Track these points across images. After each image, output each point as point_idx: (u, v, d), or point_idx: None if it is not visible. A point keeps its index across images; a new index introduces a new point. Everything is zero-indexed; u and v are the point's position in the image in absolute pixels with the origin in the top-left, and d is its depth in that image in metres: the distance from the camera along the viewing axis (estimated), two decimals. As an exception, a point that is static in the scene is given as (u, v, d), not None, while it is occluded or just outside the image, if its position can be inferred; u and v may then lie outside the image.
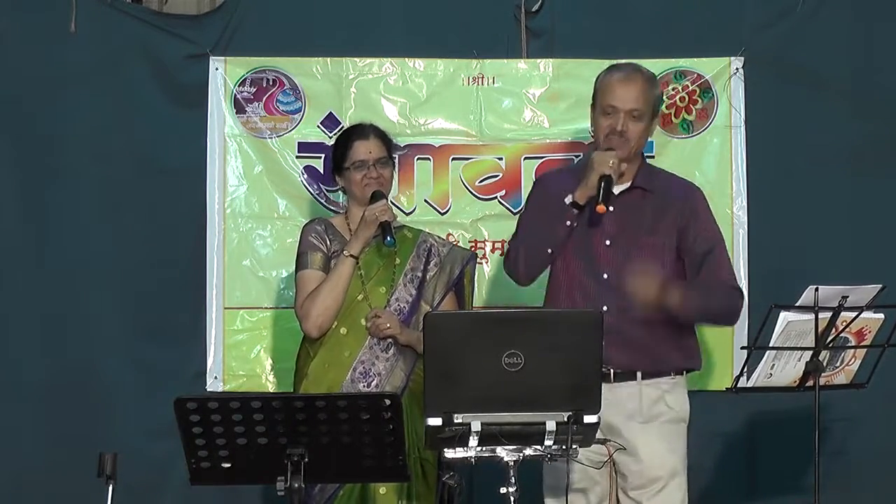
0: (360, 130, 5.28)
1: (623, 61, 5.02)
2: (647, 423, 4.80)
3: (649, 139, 5.08)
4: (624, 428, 4.76)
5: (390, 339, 5.12)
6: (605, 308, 4.75)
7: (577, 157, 6.02)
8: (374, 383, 5.09)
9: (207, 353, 6.06)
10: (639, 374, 4.81)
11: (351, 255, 5.12)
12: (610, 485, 4.78)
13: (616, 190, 4.84)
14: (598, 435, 4.49)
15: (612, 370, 4.74)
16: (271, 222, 6.11)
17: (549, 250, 4.84)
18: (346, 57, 6.13)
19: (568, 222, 4.79)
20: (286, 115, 6.12)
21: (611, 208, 4.79)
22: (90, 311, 6.05)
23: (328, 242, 5.20)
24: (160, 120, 6.10)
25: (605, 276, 4.82)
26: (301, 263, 5.22)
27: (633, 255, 4.82)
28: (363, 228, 5.11)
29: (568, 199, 4.78)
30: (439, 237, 5.45)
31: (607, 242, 4.84)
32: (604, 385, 4.57)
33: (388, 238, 5.06)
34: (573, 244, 4.83)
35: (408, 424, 4.65)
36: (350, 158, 5.20)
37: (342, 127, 5.99)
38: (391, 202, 5.58)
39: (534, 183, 5.18)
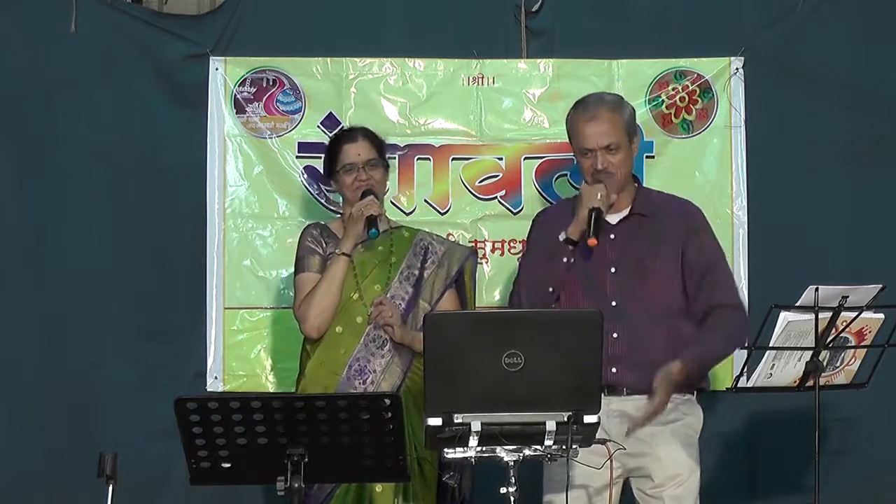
0: (348, 134, 5.32)
1: (588, 94, 5.00)
2: (664, 425, 4.80)
3: (641, 148, 5.09)
4: (640, 433, 4.76)
5: (385, 337, 5.12)
6: (615, 335, 4.77)
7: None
8: (370, 380, 5.10)
9: (207, 353, 6.06)
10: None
11: (343, 254, 5.13)
12: (610, 484, 4.77)
13: (615, 218, 4.89)
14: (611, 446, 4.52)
15: (624, 387, 4.78)
16: (271, 222, 6.11)
17: (551, 289, 4.85)
18: (346, 57, 6.13)
19: (565, 259, 4.82)
20: (286, 115, 6.12)
21: (612, 236, 4.83)
22: (90, 311, 6.05)
23: (325, 245, 5.21)
24: (160, 120, 6.10)
25: (614, 303, 4.82)
26: (299, 267, 5.23)
27: (639, 279, 4.84)
28: (352, 225, 5.12)
29: (562, 236, 4.82)
30: (437, 235, 5.46)
31: (612, 270, 4.86)
32: (616, 398, 4.65)
33: (373, 230, 5.07)
34: (577, 275, 4.85)
35: (405, 423, 4.65)
36: (340, 162, 5.22)
37: (342, 127, 5.99)
38: (391, 202, 5.61)
39: (532, 222, 5.17)
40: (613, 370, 4.72)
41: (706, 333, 4.83)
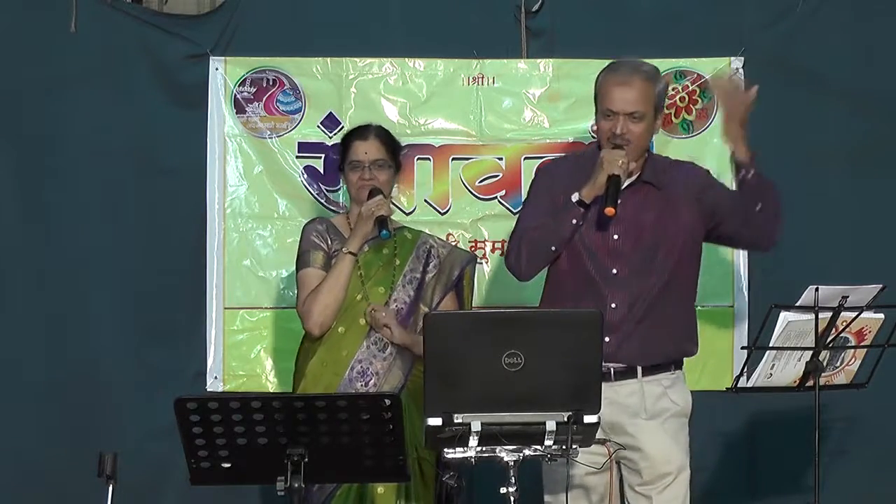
0: (361, 131, 5.28)
1: (623, 59, 4.94)
2: (652, 419, 4.78)
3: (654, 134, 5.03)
4: (629, 425, 4.76)
5: (387, 341, 5.11)
6: (613, 305, 4.74)
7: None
8: (371, 382, 5.09)
9: (207, 353, 6.06)
10: (639, 371, 4.78)
11: (350, 252, 5.11)
12: (610, 484, 4.76)
13: (622, 184, 4.79)
14: (601, 434, 4.51)
15: (612, 369, 4.73)
16: (271, 222, 6.11)
17: (553, 248, 4.79)
18: (346, 57, 6.13)
19: (574, 220, 4.74)
20: (286, 115, 6.12)
21: (618, 200, 4.75)
22: (90, 311, 6.05)
23: (329, 242, 5.20)
24: (160, 120, 6.10)
25: (615, 271, 4.77)
26: (302, 262, 5.21)
27: (641, 250, 4.78)
28: (361, 224, 5.10)
29: (574, 197, 4.73)
30: (439, 239, 5.45)
31: (615, 237, 4.79)
32: (605, 384, 4.59)
33: (384, 231, 5.05)
34: (579, 239, 4.79)
35: (406, 424, 4.65)
36: (348, 158, 5.21)
37: (342, 127, 5.99)
38: (391, 202, 5.59)
39: (536, 172, 5.13)
40: (607, 339, 4.63)
41: None
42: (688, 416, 4.88)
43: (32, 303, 6.05)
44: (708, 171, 5.02)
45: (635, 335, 4.76)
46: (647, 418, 4.78)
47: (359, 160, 5.18)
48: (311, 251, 5.20)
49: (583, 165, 4.83)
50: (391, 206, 5.19)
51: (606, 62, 6.06)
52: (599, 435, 4.53)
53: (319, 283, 5.12)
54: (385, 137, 5.25)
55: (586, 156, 4.95)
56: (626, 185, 4.80)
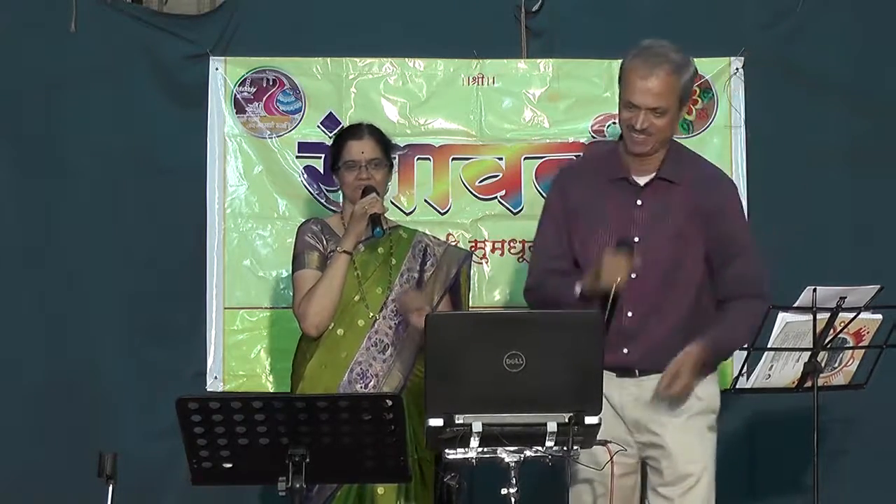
0: (354, 130, 5.28)
1: (651, 44, 4.71)
2: (676, 416, 4.67)
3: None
4: (652, 422, 4.68)
5: (387, 341, 5.11)
6: (629, 314, 4.64)
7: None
8: (371, 384, 5.09)
9: (207, 353, 6.06)
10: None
11: (344, 251, 5.10)
12: (610, 484, 4.75)
13: (642, 181, 4.71)
14: (626, 431, 4.50)
15: (636, 370, 4.68)
16: (271, 222, 6.11)
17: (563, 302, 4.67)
18: (346, 57, 6.13)
19: (577, 297, 4.61)
20: (286, 115, 6.12)
21: (639, 202, 4.67)
22: (90, 311, 6.05)
23: (325, 242, 5.19)
24: (160, 120, 6.10)
25: (633, 275, 4.61)
26: (298, 264, 5.21)
27: (660, 251, 4.65)
28: (354, 223, 5.09)
29: (577, 290, 4.59)
30: (434, 237, 5.44)
31: (636, 240, 4.65)
32: (629, 379, 4.60)
33: (378, 229, 5.04)
34: (596, 244, 4.67)
35: (406, 425, 4.66)
36: (342, 158, 5.20)
37: (342, 127, 5.99)
38: (390, 202, 5.58)
39: (551, 186, 4.99)
40: (625, 351, 4.60)
41: (730, 320, 4.66)
42: (716, 412, 4.76)
43: (32, 303, 6.06)
44: (731, 196, 4.85)
45: (653, 344, 4.65)
46: (672, 416, 4.67)
47: (355, 160, 5.17)
48: (306, 252, 5.19)
49: (597, 166, 4.77)
50: (385, 204, 5.18)
51: (606, 62, 6.10)
52: (624, 432, 4.55)
53: (315, 283, 5.12)
54: (378, 136, 5.25)
55: (599, 154, 4.90)
56: (644, 182, 4.72)
